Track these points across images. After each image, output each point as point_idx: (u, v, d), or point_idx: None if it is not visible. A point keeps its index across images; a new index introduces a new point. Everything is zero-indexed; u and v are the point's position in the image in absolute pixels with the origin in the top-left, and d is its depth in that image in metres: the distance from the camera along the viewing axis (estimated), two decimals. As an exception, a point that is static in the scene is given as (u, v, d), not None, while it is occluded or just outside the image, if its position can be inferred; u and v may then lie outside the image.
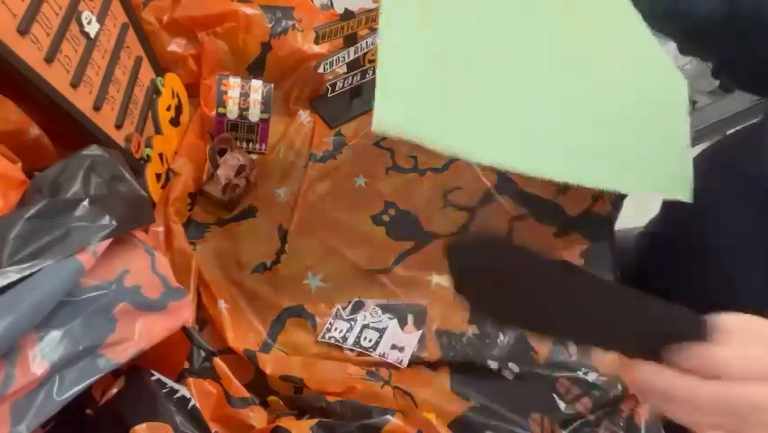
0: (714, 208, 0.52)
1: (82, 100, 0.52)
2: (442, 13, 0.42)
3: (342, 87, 0.69)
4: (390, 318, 0.55)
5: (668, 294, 0.38)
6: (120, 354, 0.40)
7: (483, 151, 0.39)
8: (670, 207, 0.61)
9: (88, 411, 0.44)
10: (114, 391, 0.44)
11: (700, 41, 0.55)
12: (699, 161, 0.54)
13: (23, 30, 0.44)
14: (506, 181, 0.65)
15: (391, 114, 0.36)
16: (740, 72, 0.56)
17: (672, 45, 0.64)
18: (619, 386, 0.50)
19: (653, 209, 0.64)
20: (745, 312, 0.32)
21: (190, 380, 0.49)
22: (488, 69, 0.43)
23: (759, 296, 0.44)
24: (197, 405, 0.46)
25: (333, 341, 0.53)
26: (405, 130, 0.36)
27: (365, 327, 0.54)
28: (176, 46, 0.68)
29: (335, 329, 0.54)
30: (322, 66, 0.64)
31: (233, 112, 0.64)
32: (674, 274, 0.54)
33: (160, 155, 0.62)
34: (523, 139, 0.43)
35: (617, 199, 0.67)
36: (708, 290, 0.46)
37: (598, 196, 0.62)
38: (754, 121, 0.55)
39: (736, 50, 0.53)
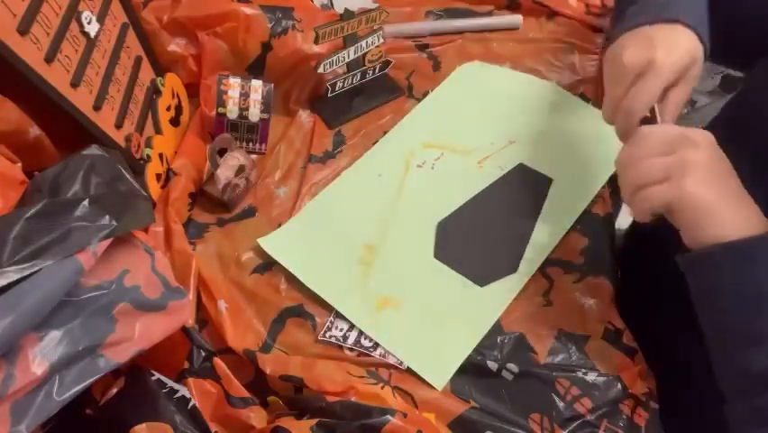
0: None
1: (82, 100, 0.52)
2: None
3: (343, 87, 0.69)
4: (390, 318, 0.55)
5: (660, 285, 0.41)
6: (120, 354, 0.40)
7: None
8: None
9: (88, 411, 0.44)
10: (114, 391, 0.44)
11: None
12: None
13: (23, 30, 0.44)
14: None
15: None
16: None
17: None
18: (619, 386, 0.50)
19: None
20: None
21: (190, 380, 0.49)
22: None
23: None
24: (197, 405, 0.46)
25: (333, 340, 0.53)
26: None
27: (365, 326, 0.54)
28: (176, 46, 0.68)
29: (336, 328, 0.54)
30: (322, 66, 0.64)
31: (233, 112, 0.64)
32: (660, 269, 0.55)
33: (160, 155, 0.62)
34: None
35: (617, 199, 0.67)
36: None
37: (597, 196, 0.62)
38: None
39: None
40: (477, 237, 0.58)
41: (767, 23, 0.53)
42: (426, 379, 0.50)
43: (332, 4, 0.62)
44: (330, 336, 0.53)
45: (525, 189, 0.61)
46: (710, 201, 0.42)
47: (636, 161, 0.45)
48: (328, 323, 0.54)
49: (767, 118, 0.49)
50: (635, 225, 0.59)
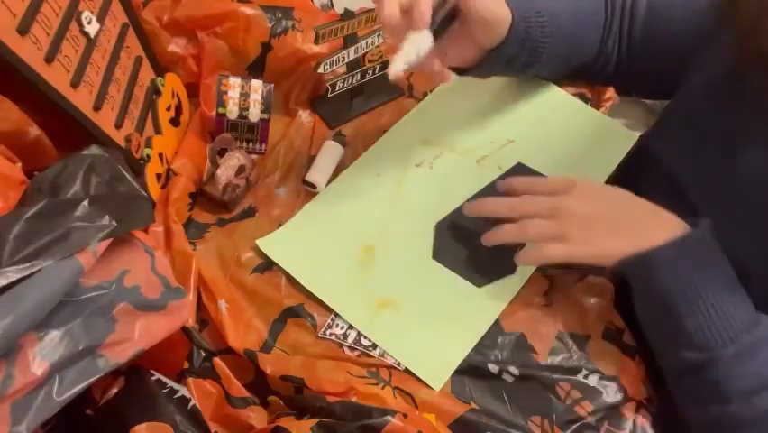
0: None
1: (82, 100, 0.52)
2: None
3: (342, 87, 0.69)
4: (390, 319, 0.55)
5: None
6: (120, 354, 0.40)
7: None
8: None
9: (88, 411, 0.44)
10: (114, 391, 0.44)
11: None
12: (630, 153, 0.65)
13: (23, 30, 0.44)
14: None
15: None
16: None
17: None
18: (620, 389, 0.50)
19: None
20: None
21: (190, 380, 0.49)
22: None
23: None
24: (197, 405, 0.46)
25: (333, 338, 0.53)
26: None
27: (365, 326, 0.54)
28: (176, 46, 0.68)
29: (336, 326, 0.54)
30: (322, 66, 0.64)
31: (233, 112, 0.64)
32: None
33: (160, 155, 0.62)
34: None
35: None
36: None
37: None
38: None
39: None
40: (475, 238, 0.58)
41: (683, 55, 0.58)
42: (424, 380, 0.50)
43: (332, 4, 0.62)
44: (330, 334, 0.53)
45: None
46: (604, 251, 0.50)
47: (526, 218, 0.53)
48: (329, 321, 0.54)
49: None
50: None
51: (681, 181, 0.54)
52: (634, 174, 0.64)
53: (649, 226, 0.48)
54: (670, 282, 0.46)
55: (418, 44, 0.48)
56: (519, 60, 0.59)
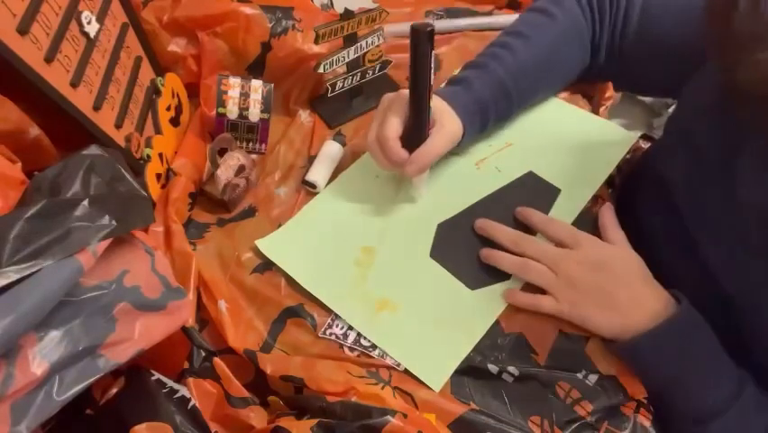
0: (641, 203, 0.63)
1: (82, 100, 0.52)
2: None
3: (342, 87, 0.69)
4: (390, 319, 0.55)
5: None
6: (120, 354, 0.40)
7: None
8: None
9: (88, 411, 0.44)
10: (114, 391, 0.44)
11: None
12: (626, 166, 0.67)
13: (23, 30, 0.44)
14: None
15: None
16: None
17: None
18: (620, 389, 0.50)
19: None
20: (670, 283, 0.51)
21: (190, 380, 0.49)
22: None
23: (676, 270, 0.53)
24: (197, 405, 0.46)
25: (333, 338, 0.53)
26: None
27: (365, 327, 0.54)
28: (176, 46, 0.68)
29: (336, 326, 0.54)
30: (322, 66, 0.64)
31: (233, 112, 0.64)
32: (656, 267, 0.58)
33: (160, 155, 0.62)
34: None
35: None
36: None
37: (597, 196, 0.62)
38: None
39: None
40: (475, 242, 0.58)
41: (678, 57, 0.59)
42: (423, 380, 0.50)
43: (332, 4, 0.62)
44: (330, 334, 0.53)
45: (532, 197, 0.61)
46: (591, 320, 0.51)
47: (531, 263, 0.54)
48: (329, 321, 0.54)
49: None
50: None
51: (678, 199, 0.55)
52: (636, 187, 0.64)
53: (636, 306, 0.50)
54: (655, 369, 0.49)
55: (425, 178, 0.61)
56: (488, 127, 0.64)
